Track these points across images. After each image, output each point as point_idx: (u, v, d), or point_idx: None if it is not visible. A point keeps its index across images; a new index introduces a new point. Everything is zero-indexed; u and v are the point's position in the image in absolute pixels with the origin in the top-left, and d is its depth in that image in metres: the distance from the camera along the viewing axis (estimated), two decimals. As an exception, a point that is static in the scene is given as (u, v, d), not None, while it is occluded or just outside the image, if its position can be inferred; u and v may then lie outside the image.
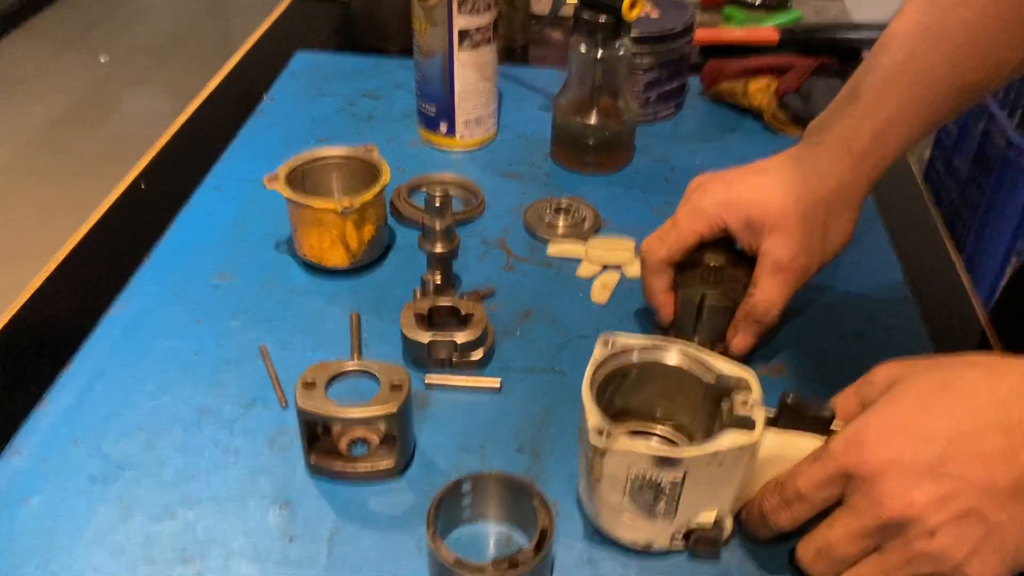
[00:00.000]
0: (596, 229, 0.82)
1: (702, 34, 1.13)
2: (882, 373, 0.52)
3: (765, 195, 0.63)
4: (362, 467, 0.59)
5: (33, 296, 0.75)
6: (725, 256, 0.66)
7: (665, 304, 0.68)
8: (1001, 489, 0.45)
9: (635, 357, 0.57)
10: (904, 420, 0.47)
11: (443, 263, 0.72)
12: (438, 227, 0.70)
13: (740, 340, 0.66)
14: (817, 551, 0.50)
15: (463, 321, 0.68)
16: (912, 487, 0.45)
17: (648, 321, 0.72)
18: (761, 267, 0.63)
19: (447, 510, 0.55)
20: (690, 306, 0.66)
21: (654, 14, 0.96)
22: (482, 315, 0.68)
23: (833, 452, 0.48)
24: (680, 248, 0.65)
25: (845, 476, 0.47)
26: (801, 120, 0.94)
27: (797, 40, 1.09)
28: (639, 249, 0.69)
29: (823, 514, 0.50)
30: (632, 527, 0.54)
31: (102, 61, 3.18)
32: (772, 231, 0.62)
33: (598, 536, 0.56)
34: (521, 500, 0.55)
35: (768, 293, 0.63)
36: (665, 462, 0.50)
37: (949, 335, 0.73)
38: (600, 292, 0.75)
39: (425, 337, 0.66)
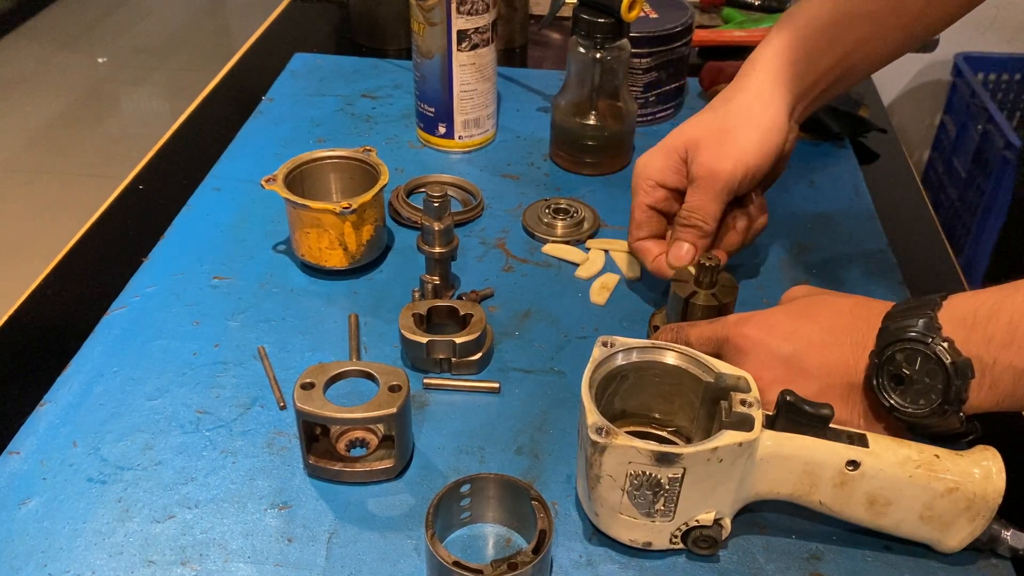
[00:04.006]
0: (595, 230, 0.82)
1: (701, 35, 1.13)
2: (793, 291, 0.65)
3: (679, 134, 0.72)
4: (361, 468, 0.59)
5: (31, 296, 0.75)
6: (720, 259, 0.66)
7: (637, 219, 0.74)
8: (833, 387, 0.57)
9: (634, 356, 0.57)
10: (780, 321, 0.59)
11: (442, 264, 0.72)
12: (437, 228, 0.70)
13: (675, 247, 0.70)
14: (675, 334, 0.63)
15: (462, 322, 0.68)
16: (768, 367, 0.57)
17: (646, 322, 0.72)
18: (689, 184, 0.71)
19: (446, 511, 0.55)
20: (677, 301, 0.66)
21: (653, 15, 0.96)
22: (481, 316, 0.68)
23: (725, 322, 0.61)
24: (650, 201, 0.73)
25: (724, 341, 0.60)
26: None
27: (796, 41, 1.09)
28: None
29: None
30: (631, 526, 0.54)
31: (100, 61, 3.18)
32: (687, 156, 0.71)
33: (597, 537, 0.56)
34: (520, 501, 0.55)
35: (690, 200, 0.70)
36: (664, 458, 0.50)
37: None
38: (599, 293, 0.75)
39: (424, 338, 0.66)
